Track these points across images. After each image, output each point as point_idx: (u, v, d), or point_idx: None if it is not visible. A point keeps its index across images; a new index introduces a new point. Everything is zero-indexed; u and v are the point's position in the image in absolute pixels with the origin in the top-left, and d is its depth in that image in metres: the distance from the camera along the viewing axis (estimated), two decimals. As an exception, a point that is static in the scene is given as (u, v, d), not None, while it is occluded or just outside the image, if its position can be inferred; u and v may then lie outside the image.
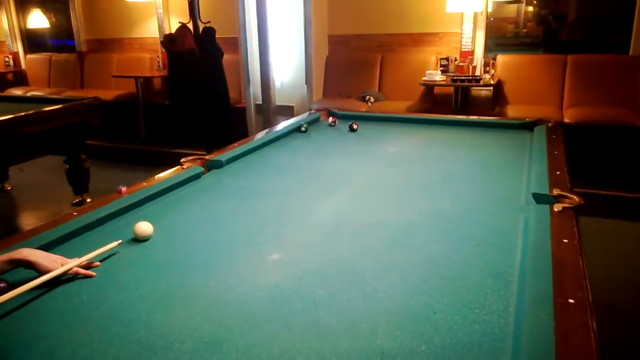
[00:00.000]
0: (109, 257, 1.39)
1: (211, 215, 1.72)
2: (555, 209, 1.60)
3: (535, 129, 2.79)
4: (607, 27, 5.09)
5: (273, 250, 1.45)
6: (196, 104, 4.34)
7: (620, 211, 3.59)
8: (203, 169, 2.17)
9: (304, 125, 2.97)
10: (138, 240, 1.49)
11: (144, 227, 1.50)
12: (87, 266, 1.32)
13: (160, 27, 6.00)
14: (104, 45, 6.69)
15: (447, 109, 4.72)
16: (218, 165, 2.25)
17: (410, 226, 1.59)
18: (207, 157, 2.29)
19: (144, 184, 1.93)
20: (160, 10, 5.98)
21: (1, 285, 1.13)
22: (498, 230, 1.56)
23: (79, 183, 4.39)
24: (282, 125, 3.01)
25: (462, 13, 4.66)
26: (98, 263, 1.35)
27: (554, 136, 2.56)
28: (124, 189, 1.82)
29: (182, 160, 2.23)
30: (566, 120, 3.99)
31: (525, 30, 6.24)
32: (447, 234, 1.53)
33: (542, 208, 1.63)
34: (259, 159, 2.42)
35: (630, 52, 4.37)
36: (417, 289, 1.21)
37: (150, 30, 6.19)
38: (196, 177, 2.10)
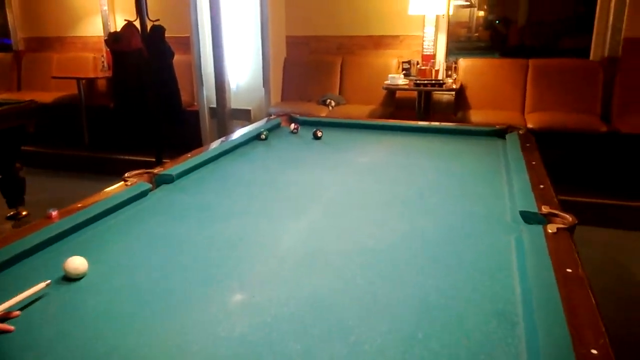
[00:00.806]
0: (32, 302, 1.13)
1: (160, 244, 1.47)
2: (550, 230, 1.45)
3: (507, 136, 2.67)
4: (561, 32, 5.12)
5: (236, 288, 1.22)
6: (144, 107, 4.02)
7: (587, 217, 3.54)
8: (150, 185, 1.90)
9: (264, 133, 2.74)
10: (70, 278, 1.22)
11: (77, 264, 1.24)
12: (4, 317, 1.06)
13: (105, 25, 5.60)
14: (43, 44, 6.19)
15: (409, 113, 4.59)
16: (168, 180, 2.00)
17: (392, 252, 1.40)
18: (155, 170, 2.03)
19: (79, 205, 1.66)
20: (105, 7, 5.58)
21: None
22: (489, 255, 1.40)
23: (13, 195, 3.98)
24: (240, 132, 2.77)
25: (424, 16, 4.55)
26: (18, 312, 1.09)
27: (528, 144, 2.45)
28: (54, 212, 1.54)
29: (125, 175, 1.96)
30: (529, 125, 3.93)
31: (477, 35, 6.25)
32: (434, 262, 1.35)
33: (534, 229, 1.48)
34: (215, 171, 2.17)
35: (591, 57, 4.38)
36: (410, 336, 1.01)
37: (94, 28, 5.77)
38: (142, 195, 1.84)
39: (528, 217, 1.59)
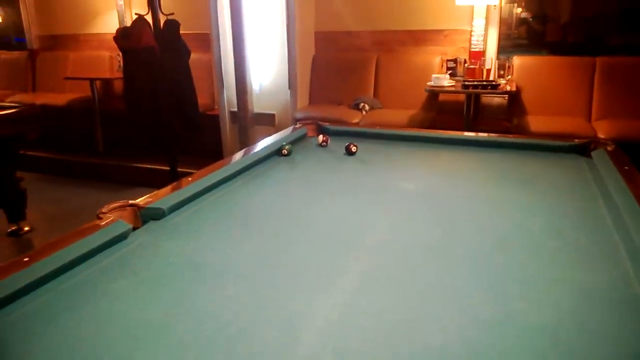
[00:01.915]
0: None
1: (129, 332, 0.98)
2: None
3: (594, 155, 2.10)
4: (609, 27, 4.43)
5: None
6: (156, 110, 3.58)
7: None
8: (130, 225, 1.43)
9: (287, 147, 2.25)
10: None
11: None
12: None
13: (121, 22, 5.21)
14: (58, 42, 5.86)
15: (454, 119, 4.04)
16: (157, 215, 1.52)
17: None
18: (141, 202, 1.55)
19: (25, 259, 1.19)
20: (121, 2, 5.19)
21: None
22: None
23: (13, 208, 3.61)
24: (257, 147, 2.28)
25: (473, 7, 3.98)
26: None
27: (626, 168, 1.87)
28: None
29: (100, 210, 1.49)
30: (600, 135, 3.33)
31: (516, 32, 5.64)
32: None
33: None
34: (221, 202, 1.68)
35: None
36: None
37: (110, 25, 5.38)
38: (119, 239, 1.37)
39: (673, 293, 1.05)
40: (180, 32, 3.93)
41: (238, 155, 2.13)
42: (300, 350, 0.92)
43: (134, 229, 1.49)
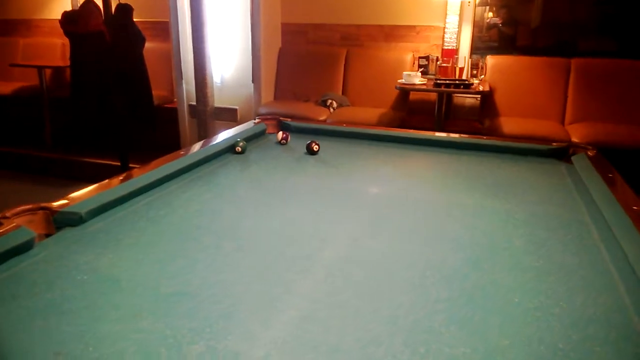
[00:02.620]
0: None
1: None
2: None
3: (574, 159, 1.95)
4: (581, 32, 4.34)
5: None
6: (104, 100, 3.29)
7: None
8: (34, 233, 1.18)
9: (241, 144, 2.02)
10: None
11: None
12: None
13: (75, 6, 4.85)
14: (9, 26, 5.45)
15: (424, 119, 3.87)
16: (73, 221, 1.28)
17: None
18: (55, 205, 1.30)
19: None
20: (75, -15, 4.85)
21: None
22: None
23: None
24: (212, 141, 2.05)
25: (446, 3, 3.82)
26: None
27: (610, 175, 1.72)
28: None
29: (3, 214, 1.23)
30: (574, 139, 3.21)
31: (487, 35, 5.53)
32: None
33: None
34: (154, 206, 1.44)
35: (648, 57, 3.65)
36: None
37: (63, 9, 5.00)
38: (19, 250, 1.12)
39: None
40: (136, 19, 3.65)
41: (187, 151, 1.89)
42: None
43: (47, 236, 1.25)
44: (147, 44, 3.81)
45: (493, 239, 1.30)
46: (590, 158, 1.92)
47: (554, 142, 2.12)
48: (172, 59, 4.18)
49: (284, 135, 2.20)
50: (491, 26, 4.20)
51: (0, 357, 0.79)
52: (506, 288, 1.05)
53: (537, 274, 1.12)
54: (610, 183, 1.62)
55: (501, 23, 4.17)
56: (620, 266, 1.13)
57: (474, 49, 4.06)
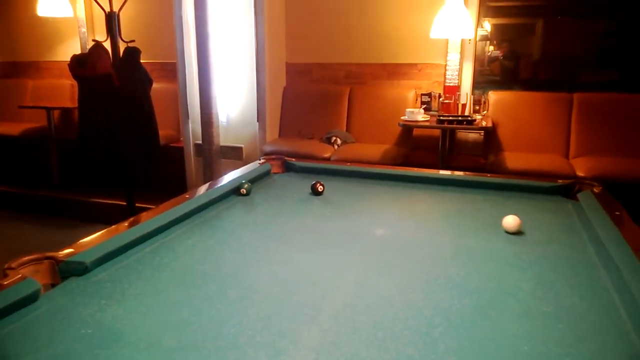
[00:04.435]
0: None
1: None
2: None
3: (580, 197, 1.94)
4: (583, 66, 4.40)
5: None
6: (112, 143, 3.33)
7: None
8: (40, 285, 1.18)
9: (245, 186, 2.03)
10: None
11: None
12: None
13: (83, 49, 4.97)
14: (18, 69, 5.58)
15: (428, 155, 3.89)
16: (79, 270, 1.28)
17: None
18: (60, 255, 1.30)
19: None
20: (84, 29, 4.97)
21: None
22: None
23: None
24: (218, 183, 2.06)
25: (447, 41, 3.89)
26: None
27: (617, 213, 1.71)
28: None
29: (9, 264, 1.23)
30: (579, 173, 3.20)
31: (489, 69, 5.61)
32: None
33: None
34: (159, 253, 1.44)
35: (650, 91, 3.68)
36: None
37: (72, 52, 5.12)
38: (25, 302, 1.12)
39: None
40: (144, 61, 3.73)
41: (191, 194, 1.90)
42: None
43: (52, 286, 1.25)
44: (155, 85, 3.87)
45: (500, 282, 1.28)
46: (596, 195, 1.91)
47: (560, 179, 2.12)
48: (178, 99, 4.24)
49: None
50: (492, 60, 4.27)
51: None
52: (515, 336, 1.03)
53: (545, 319, 1.10)
54: (618, 222, 1.61)
55: (502, 56, 4.23)
56: (631, 310, 1.11)
57: (476, 85, 4.11)
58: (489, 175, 2.28)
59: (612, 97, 3.70)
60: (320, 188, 2.05)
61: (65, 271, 1.28)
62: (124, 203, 3.74)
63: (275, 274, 1.32)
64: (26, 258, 1.26)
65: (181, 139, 4.41)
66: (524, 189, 2.12)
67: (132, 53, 3.40)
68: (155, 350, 0.97)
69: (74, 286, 1.23)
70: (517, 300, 1.19)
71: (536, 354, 0.97)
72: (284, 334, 1.02)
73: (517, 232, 1.61)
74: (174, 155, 4.38)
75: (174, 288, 1.23)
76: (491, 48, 4.31)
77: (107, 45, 3.42)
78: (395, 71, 4.22)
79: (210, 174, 3.84)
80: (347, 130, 4.19)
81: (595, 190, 1.98)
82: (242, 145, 4.10)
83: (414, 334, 1.03)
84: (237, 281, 1.28)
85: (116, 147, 3.41)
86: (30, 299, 1.14)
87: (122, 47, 3.44)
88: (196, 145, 4.18)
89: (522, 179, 2.20)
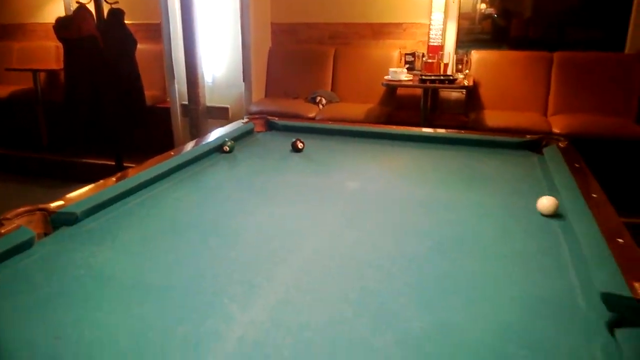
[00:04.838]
0: None
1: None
2: (671, 346, 0.83)
3: (545, 151, 2.05)
4: (570, 23, 4.45)
5: None
6: (98, 103, 3.37)
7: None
8: (34, 233, 1.27)
9: (228, 143, 2.11)
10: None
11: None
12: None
13: (67, 10, 4.91)
14: (4, 31, 5.52)
15: (412, 114, 3.97)
16: (70, 220, 1.37)
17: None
18: (52, 206, 1.40)
19: None
20: (68, -11, 4.92)
21: None
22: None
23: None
24: (204, 141, 2.14)
25: (431, 0, 3.90)
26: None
27: (577, 165, 1.82)
28: None
29: (4, 215, 1.33)
30: (555, 130, 3.31)
31: (480, 27, 5.61)
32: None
33: (633, 335, 0.86)
34: (145, 205, 1.54)
35: (627, 50, 3.74)
36: None
37: (57, 14, 5.06)
38: (20, 249, 1.21)
39: (616, 304, 0.98)
40: (128, 21, 3.73)
41: (177, 151, 1.99)
42: None
43: (45, 235, 1.35)
44: (139, 46, 3.89)
45: (462, 229, 1.40)
46: (560, 149, 2.02)
47: (528, 135, 2.22)
48: (163, 59, 4.26)
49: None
50: (485, 17, 4.29)
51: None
52: (469, 273, 1.15)
53: (498, 260, 1.22)
54: (576, 173, 1.72)
55: (495, 13, 4.26)
56: (574, 250, 1.23)
57: (460, 45, 4.15)
58: (463, 132, 2.38)
59: (590, 55, 3.77)
60: (300, 145, 2.14)
61: (57, 221, 1.37)
62: (113, 163, 3.82)
63: (254, 224, 1.42)
64: (20, 209, 1.35)
65: (167, 99, 4.44)
66: (497, 144, 2.22)
67: (116, 14, 3.40)
68: (143, 288, 1.08)
69: (66, 235, 1.33)
70: (476, 244, 1.31)
71: (485, 287, 1.09)
72: (259, 273, 1.14)
73: (553, 214, 1.44)
74: (161, 116, 4.42)
75: (160, 236, 1.34)
76: (483, 5, 4.33)
77: (91, 6, 3.41)
78: (380, 31, 4.24)
79: (197, 134, 3.91)
80: (332, 90, 4.24)
81: (560, 144, 2.08)
82: (228, 106, 4.15)
83: (376, 272, 1.15)
84: (219, 230, 1.38)
85: (101, 109, 3.45)
86: (26, 246, 1.24)
87: (106, 8, 3.44)
88: (182, 106, 4.22)
89: (495, 135, 2.30)
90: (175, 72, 4.16)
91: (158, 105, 4.47)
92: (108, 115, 3.40)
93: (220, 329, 0.92)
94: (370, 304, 1.02)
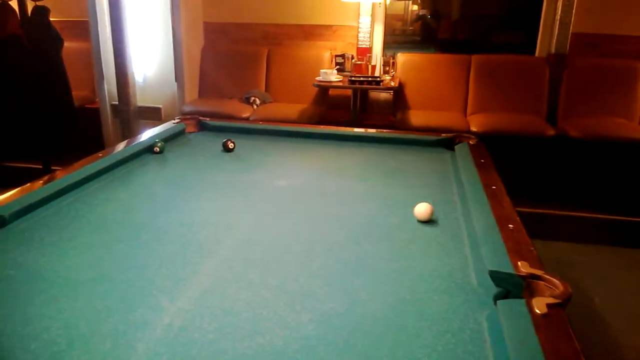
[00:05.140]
0: None
1: None
2: (537, 310, 1.00)
3: (457, 148, 2.24)
4: (496, 27, 4.82)
5: None
6: (23, 107, 3.28)
7: (532, 230, 3.22)
8: (-42, 236, 1.29)
9: (159, 144, 2.16)
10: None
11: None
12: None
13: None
14: None
15: (343, 114, 4.13)
16: (-3, 222, 1.39)
17: (305, 350, 0.89)
18: (-22, 208, 1.40)
19: None
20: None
21: None
22: (451, 353, 0.93)
23: None
24: (134, 142, 2.17)
25: (359, 3, 4.07)
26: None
27: (482, 160, 2.02)
28: None
29: None
30: (472, 129, 3.57)
31: (412, 28, 5.89)
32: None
33: (513, 306, 1.02)
34: (75, 206, 1.57)
35: (537, 53, 4.07)
36: None
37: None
38: (-55, 251, 1.23)
39: (501, 280, 1.14)
40: (54, 19, 3.63)
41: (105, 153, 2.01)
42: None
43: (-28, 238, 1.35)
44: (66, 44, 3.80)
45: (374, 218, 1.54)
46: (470, 146, 2.22)
47: (443, 134, 2.41)
48: (92, 58, 4.17)
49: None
50: (417, 18, 4.53)
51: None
52: (375, 257, 1.29)
53: (402, 244, 1.37)
54: (480, 167, 1.91)
55: (428, 14, 4.51)
56: (471, 235, 1.40)
57: (387, 47, 4.35)
58: (384, 131, 2.54)
59: (503, 58, 4.08)
60: (230, 145, 2.22)
61: (-16, 224, 1.38)
62: (40, 166, 3.71)
63: (182, 220, 1.50)
64: (-57, 213, 1.35)
65: (97, 99, 4.35)
66: (415, 142, 2.40)
67: (41, 12, 3.31)
68: (72, 283, 1.13)
69: (-6, 237, 1.34)
70: (383, 231, 1.45)
71: (389, 268, 1.23)
72: (186, 265, 1.22)
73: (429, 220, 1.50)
74: (90, 116, 4.32)
75: (89, 234, 1.38)
76: (415, 7, 4.57)
77: (14, 4, 3.30)
78: (311, 32, 4.37)
79: (128, 135, 3.86)
80: (266, 91, 4.33)
81: (470, 142, 2.29)
82: (161, 106, 4.12)
83: (296, 257, 1.27)
84: (147, 226, 1.44)
85: (27, 111, 3.36)
86: (-48, 249, 1.25)
87: (30, 6, 3.34)
88: (113, 106, 4.15)
89: (414, 134, 2.48)
90: (104, 71, 4.08)
91: (87, 106, 4.37)
92: (35, 117, 3.31)
93: (149, 318, 1.00)
94: (289, 288, 1.13)
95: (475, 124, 3.62)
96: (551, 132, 3.57)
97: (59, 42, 3.47)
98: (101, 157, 1.92)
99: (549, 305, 1.01)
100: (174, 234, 1.40)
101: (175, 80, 4.11)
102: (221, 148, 2.23)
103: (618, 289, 2.82)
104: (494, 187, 1.70)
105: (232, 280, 1.16)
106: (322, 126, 2.63)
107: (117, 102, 3.95)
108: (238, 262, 1.25)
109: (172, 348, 0.91)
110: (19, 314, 1.00)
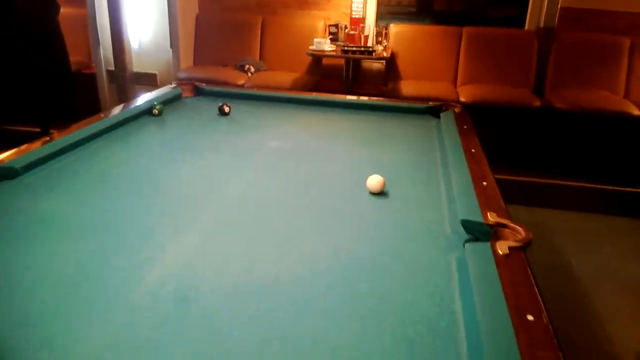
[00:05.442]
0: None
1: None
2: (500, 251, 1.12)
3: (442, 115, 2.35)
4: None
5: None
6: (21, 71, 3.33)
7: (515, 196, 3.36)
8: (-26, 185, 1.39)
9: (157, 107, 2.24)
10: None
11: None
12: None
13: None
14: None
15: (336, 83, 4.20)
16: (10, 174, 1.49)
17: (293, 290, 1.01)
18: (-11, 160, 1.50)
19: None
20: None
21: None
22: (422, 288, 1.05)
23: None
24: (131, 105, 2.25)
25: (353, -27, 4.10)
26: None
27: (465, 127, 2.13)
28: None
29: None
30: (461, 99, 3.66)
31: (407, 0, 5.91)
32: (351, 298, 0.99)
33: (480, 248, 1.15)
34: (81, 161, 1.67)
35: (526, 27, 4.15)
36: None
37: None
38: (-37, 199, 1.33)
39: (471, 228, 1.26)
40: (48, -17, 3.65)
41: (106, 114, 2.10)
42: (143, 289, 1.00)
43: (-14, 188, 1.46)
44: (63, 10, 3.82)
45: (361, 178, 1.65)
46: (455, 114, 2.32)
47: (431, 102, 2.51)
48: (88, 24, 4.20)
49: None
50: None
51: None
52: (360, 211, 1.41)
53: (386, 201, 1.49)
54: (463, 133, 2.02)
55: None
56: (449, 192, 1.52)
57: (380, 17, 4.40)
58: (375, 98, 2.64)
59: (494, 31, 4.15)
60: (226, 109, 2.31)
61: (-4, 175, 1.48)
62: (39, 129, 3.78)
63: (181, 176, 1.60)
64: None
65: (93, 65, 4.40)
66: (404, 110, 2.50)
67: (36, -25, 3.33)
68: (82, 228, 1.24)
69: (8, 187, 1.45)
70: (366, 189, 1.57)
71: (371, 220, 1.35)
72: (184, 215, 1.33)
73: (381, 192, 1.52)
74: (87, 82, 4.38)
75: (94, 187, 1.49)
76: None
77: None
78: (305, 1, 4.40)
79: (124, 101, 3.92)
80: (260, 59, 4.38)
81: (456, 110, 2.39)
82: (156, 72, 4.19)
83: (284, 210, 1.39)
84: (147, 181, 1.55)
85: (27, 76, 3.41)
86: (-32, 197, 1.35)
87: (24, -32, 3.35)
88: (109, 72, 4.21)
89: (402, 102, 2.58)
90: (100, 37, 4.12)
91: (83, 71, 4.42)
92: (34, 82, 3.36)
93: (155, 256, 1.12)
94: (275, 232, 1.25)
95: (465, 95, 3.72)
96: (537, 103, 3.67)
97: (55, 7, 3.49)
98: (103, 117, 2.01)
99: (510, 248, 1.14)
100: (173, 188, 1.51)
101: (171, 47, 4.15)
102: (217, 112, 2.32)
103: (601, 254, 2.99)
104: (473, 151, 1.82)
105: (228, 228, 1.27)
106: (314, 93, 2.72)
107: (113, 68, 4.00)
108: (232, 213, 1.36)
109: (177, 280, 1.03)
110: (31, 253, 1.11)
